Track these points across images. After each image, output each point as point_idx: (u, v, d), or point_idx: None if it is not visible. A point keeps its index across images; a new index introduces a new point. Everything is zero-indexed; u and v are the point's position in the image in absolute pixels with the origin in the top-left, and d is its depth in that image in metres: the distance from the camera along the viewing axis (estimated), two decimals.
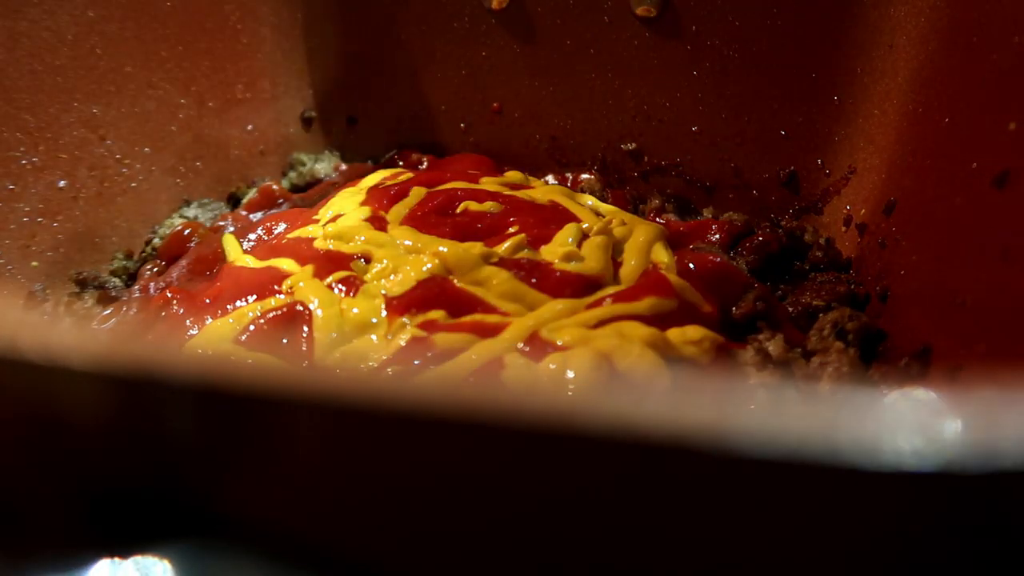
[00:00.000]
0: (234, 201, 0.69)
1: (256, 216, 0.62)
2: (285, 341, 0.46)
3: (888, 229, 0.52)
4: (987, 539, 0.21)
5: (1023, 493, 0.20)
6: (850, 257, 0.57)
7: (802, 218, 0.62)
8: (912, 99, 0.51)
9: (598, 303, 0.47)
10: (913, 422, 0.19)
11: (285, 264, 0.51)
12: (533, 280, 0.49)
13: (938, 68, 0.49)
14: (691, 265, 0.52)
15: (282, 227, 0.57)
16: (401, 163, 0.70)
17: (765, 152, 0.63)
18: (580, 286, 0.49)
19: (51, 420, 0.26)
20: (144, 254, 0.62)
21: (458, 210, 0.56)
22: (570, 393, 0.41)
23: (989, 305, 0.39)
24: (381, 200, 0.57)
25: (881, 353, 0.48)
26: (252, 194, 0.67)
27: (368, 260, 0.51)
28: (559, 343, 0.44)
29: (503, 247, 0.51)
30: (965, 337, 0.41)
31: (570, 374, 0.42)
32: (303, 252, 0.52)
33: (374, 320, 0.46)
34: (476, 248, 0.51)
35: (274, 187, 0.66)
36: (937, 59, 0.49)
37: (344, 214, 0.55)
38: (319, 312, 0.46)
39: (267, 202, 0.65)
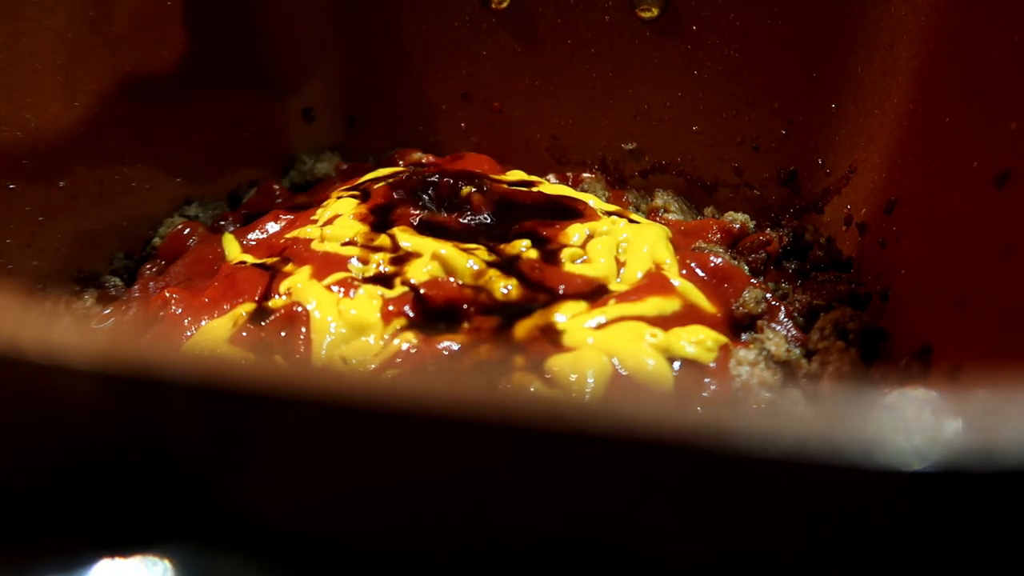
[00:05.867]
0: (234, 200, 0.69)
1: (256, 215, 0.62)
2: (282, 339, 0.46)
3: (889, 228, 0.52)
4: (987, 539, 0.21)
5: (1023, 493, 0.20)
6: (851, 256, 0.57)
7: (803, 217, 0.62)
8: (912, 99, 0.51)
9: (602, 304, 0.47)
10: (913, 422, 0.19)
11: (284, 265, 0.51)
12: (537, 281, 0.49)
13: (938, 68, 0.48)
14: (692, 265, 0.52)
15: (281, 227, 0.57)
16: (401, 162, 0.70)
17: (765, 151, 0.63)
18: (584, 287, 0.49)
19: (51, 420, 0.26)
20: (144, 253, 0.62)
21: (456, 199, 0.56)
22: (574, 395, 0.41)
23: (989, 305, 0.39)
24: (380, 200, 0.57)
25: (882, 352, 0.48)
26: (252, 193, 0.67)
27: (366, 261, 0.50)
28: (563, 344, 0.44)
29: (506, 248, 0.51)
30: (965, 337, 0.41)
31: (574, 376, 0.42)
32: (301, 253, 0.52)
33: (372, 321, 0.46)
34: (477, 250, 0.51)
35: (274, 186, 0.66)
36: (937, 59, 0.49)
37: (342, 215, 0.55)
38: (317, 313, 0.46)
39: (267, 201, 0.65)
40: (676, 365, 0.44)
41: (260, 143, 0.72)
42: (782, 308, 0.52)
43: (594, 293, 0.48)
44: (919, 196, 0.49)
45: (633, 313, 0.46)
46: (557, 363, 0.42)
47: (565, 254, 0.51)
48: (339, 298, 0.47)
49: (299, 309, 0.46)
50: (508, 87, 0.70)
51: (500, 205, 0.56)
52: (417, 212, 0.55)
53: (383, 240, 0.52)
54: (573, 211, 0.56)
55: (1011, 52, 0.41)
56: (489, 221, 0.55)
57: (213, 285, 0.51)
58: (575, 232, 0.53)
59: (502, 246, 0.51)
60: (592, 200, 0.59)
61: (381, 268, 0.50)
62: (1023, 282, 0.37)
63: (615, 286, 0.49)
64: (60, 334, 0.23)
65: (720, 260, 0.53)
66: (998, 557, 0.21)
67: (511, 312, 0.46)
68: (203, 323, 0.48)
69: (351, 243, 0.52)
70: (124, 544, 0.26)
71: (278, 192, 0.66)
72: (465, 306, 0.47)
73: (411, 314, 0.46)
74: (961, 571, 0.22)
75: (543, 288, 0.48)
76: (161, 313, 0.50)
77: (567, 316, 0.46)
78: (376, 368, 0.44)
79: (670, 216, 0.63)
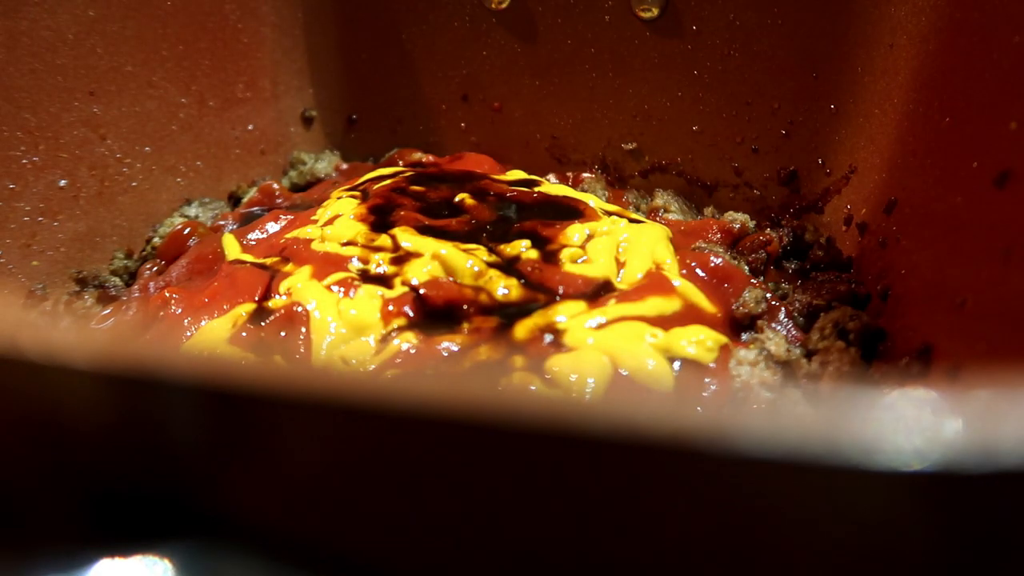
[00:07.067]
0: (234, 200, 0.69)
1: (256, 216, 0.62)
2: (282, 339, 0.46)
3: (889, 228, 0.52)
4: (987, 539, 0.21)
5: (1023, 493, 0.20)
6: (851, 256, 0.57)
7: (803, 217, 0.62)
8: (912, 99, 0.51)
9: (602, 304, 0.47)
10: (913, 422, 0.19)
11: (284, 265, 0.51)
12: (537, 281, 0.49)
13: (938, 68, 0.48)
14: (693, 265, 0.52)
15: (281, 227, 0.57)
16: (401, 162, 0.70)
17: (765, 151, 0.63)
18: (584, 287, 0.49)
19: (51, 419, 0.26)
20: (144, 253, 0.62)
21: (456, 199, 0.56)
22: (574, 395, 0.41)
23: (989, 305, 0.39)
24: (380, 200, 0.57)
25: (882, 352, 0.48)
26: (252, 193, 0.67)
27: (366, 261, 0.50)
28: (563, 345, 0.44)
29: (506, 248, 0.51)
30: (965, 337, 0.41)
31: (574, 376, 0.42)
32: (301, 253, 0.52)
33: (372, 321, 0.46)
34: (477, 250, 0.51)
35: (274, 186, 0.66)
36: (937, 59, 0.49)
37: (342, 215, 0.55)
38: (317, 313, 0.46)
39: (267, 201, 0.65)
40: (676, 365, 0.44)
41: (260, 143, 0.72)
42: (782, 308, 0.52)
43: (594, 293, 0.48)
44: (919, 196, 0.49)
45: (633, 313, 0.46)
46: (557, 363, 0.42)
47: (565, 254, 0.51)
48: (339, 298, 0.47)
49: (299, 309, 0.46)
50: (508, 87, 0.70)
51: (500, 205, 0.56)
52: (417, 212, 0.55)
53: (383, 240, 0.52)
54: (573, 211, 0.56)
55: (1011, 52, 0.41)
56: (489, 221, 0.55)
57: (213, 285, 0.51)
58: (575, 232, 0.53)
59: (502, 246, 0.51)
60: (592, 200, 0.59)
61: (381, 268, 0.50)
62: (1023, 282, 0.37)
63: (615, 286, 0.49)
64: (60, 334, 0.23)
65: (720, 260, 0.53)
66: (998, 557, 0.21)
67: (511, 312, 0.46)
68: (203, 323, 0.48)
69: (351, 243, 0.52)
70: (124, 544, 0.26)
71: (278, 192, 0.66)
72: (465, 306, 0.47)
73: (411, 314, 0.46)
74: (961, 571, 0.22)
75: (543, 288, 0.48)
76: (161, 313, 0.50)
77: (567, 316, 0.46)
78: (376, 368, 0.44)
79: (670, 216, 0.63)
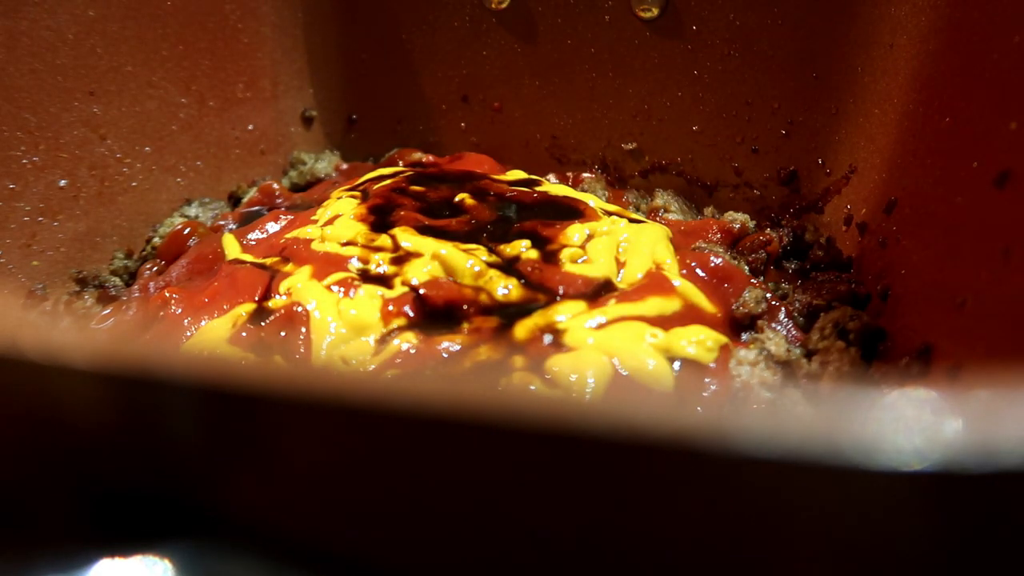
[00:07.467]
0: (234, 200, 0.69)
1: (256, 215, 0.62)
2: (282, 339, 0.46)
3: (889, 228, 0.52)
4: (987, 539, 0.21)
5: (1023, 493, 0.20)
6: (851, 256, 0.57)
7: (803, 217, 0.62)
8: (912, 99, 0.51)
9: (602, 304, 0.47)
10: (913, 422, 0.19)
11: (284, 265, 0.51)
12: (537, 281, 0.49)
13: (938, 68, 0.49)
14: (693, 265, 0.52)
15: (281, 227, 0.57)
16: (401, 162, 0.70)
17: (765, 151, 0.63)
18: (585, 287, 0.49)
19: (51, 419, 0.26)
20: (144, 253, 0.62)
21: (456, 199, 0.56)
22: (574, 395, 0.41)
23: (989, 305, 0.39)
24: (380, 200, 0.57)
25: (882, 352, 0.48)
26: (252, 193, 0.67)
27: (366, 261, 0.50)
28: (564, 345, 0.44)
29: (506, 248, 0.51)
30: (965, 337, 0.41)
31: (574, 376, 0.42)
32: (302, 253, 0.52)
33: (372, 321, 0.46)
34: (477, 250, 0.51)
35: (274, 186, 0.66)
36: (937, 59, 0.49)
37: (342, 215, 0.55)
38: (317, 313, 0.46)
39: (267, 201, 0.65)
40: (676, 365, 0.44)
41: (260, 143, 0.72)
42: (782, 308, 0.52)
43: (594, 293, 0.48)
44: (919, 196, 0.49)
45: (633, 313, 0.46)
46: (557, 363, 0.42)
47: (565, 254, 0.51)
48: (339, 298, 0.47)
49: (299, 309, 0.46)
50: (508, 87, 0.70)
51: (500, 205, 0.56)
52: (417, 212, 0.55)
53: (383, 240, 0.52)
54: (573, 211, 0.56)
55: (1011, 52, 0.41)
56: (489, 221, 0.55)
57: (213, 285, 0.51)
58: (575, 232, 0.53)
59: (502, 246, 0.51)
60: (592, 200, 0.59)
61: (381, 268, 0.50)
62: (1023, 282, 0.37)
63: (615, 286, 0.49)
64: (60, 334, 0.23)
65: (720, 260, 0.53)
66: (998, 557, 0.21)
67: (511, 312, 0.46)
68: (203, 323, 0.48)
69: (351, 243, 0.52)
70: (124, 544, 0.26)
71: (278, 192, 0.66)
72: (465, 306, 0.47)
73: (411, 314, 0.46)
74: (961, 571, 0.22)
75: (543, 288, 0.48)
76: (161, 313, 0.50)
77: (567, 316, 0.46)
78: (376, 368, 0.44)
79: (670, 216, 0.63)
